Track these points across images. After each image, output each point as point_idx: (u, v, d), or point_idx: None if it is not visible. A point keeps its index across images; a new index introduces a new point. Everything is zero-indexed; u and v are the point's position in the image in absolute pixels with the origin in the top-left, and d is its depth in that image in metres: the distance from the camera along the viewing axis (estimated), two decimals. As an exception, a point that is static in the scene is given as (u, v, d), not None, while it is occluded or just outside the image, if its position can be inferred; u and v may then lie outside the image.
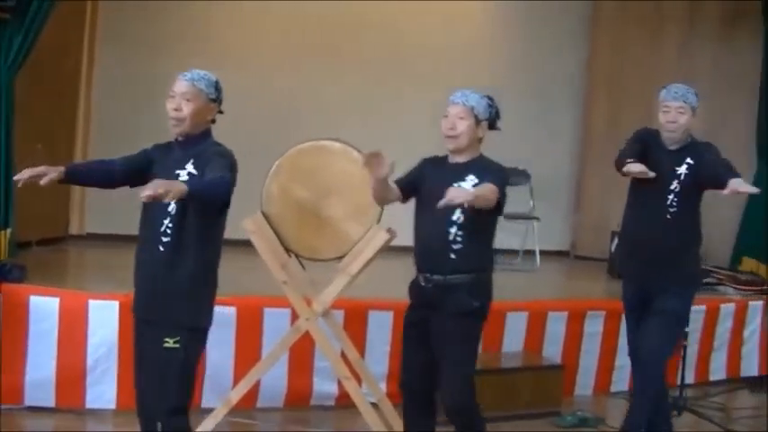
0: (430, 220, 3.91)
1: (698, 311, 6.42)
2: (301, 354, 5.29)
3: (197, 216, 3.47)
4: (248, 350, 5.25)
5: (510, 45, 9.18)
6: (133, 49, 7.85)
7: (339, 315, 5.32)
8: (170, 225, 3.49)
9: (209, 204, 3.42)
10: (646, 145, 4.62)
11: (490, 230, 4.00)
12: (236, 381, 4.93)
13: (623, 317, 5.06)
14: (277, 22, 8.45)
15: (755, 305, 6.87)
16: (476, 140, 3.99)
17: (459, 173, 3.93)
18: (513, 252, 8.36)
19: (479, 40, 9.06)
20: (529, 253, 8.26)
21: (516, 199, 8.51)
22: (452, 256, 3.86)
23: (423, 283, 3.97)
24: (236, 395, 4.66)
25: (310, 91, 8.34)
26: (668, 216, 4.57)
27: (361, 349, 5.35)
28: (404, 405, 4.14)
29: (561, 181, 8.55)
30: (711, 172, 4.44)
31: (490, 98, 4.05)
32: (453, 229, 3.86)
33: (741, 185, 4.20)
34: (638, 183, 4.65)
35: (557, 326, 6.08)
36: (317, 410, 5.50)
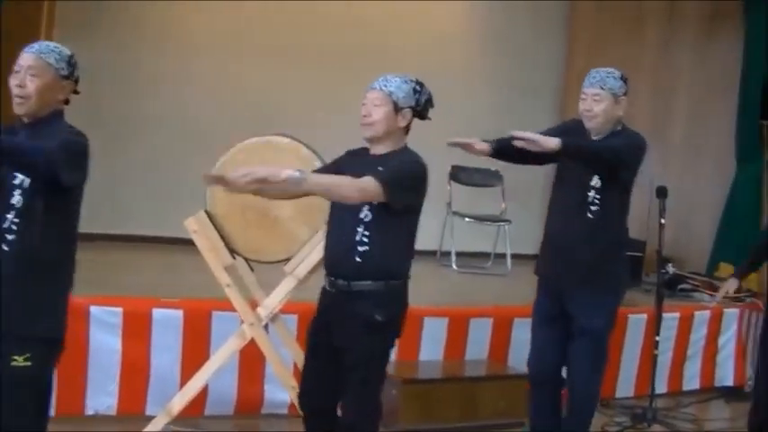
0: (339, 218, 3.56)
1: (672, 318, 6.28)
2: (252, 360, 5.03)
3: (47, 209, 3.04)
4: (195, 355, 4.96)
5: (485, 44, 9.01)
6: (93, 39, 7.60)
7: (292, 320, 5.09)
8: (15, 221, 3.01)
9: (20, 168, 2.96)
10: (570, 135, 4.24)
11: (404, 232, 3.55)
12: (183, 387, 4.67)
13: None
14: (248, 18, 8.22)
15: (731, 312, 6.69)
16: (396, 130, 3.54)
17: (373, 166, 3.50)
18: (485, 255, 8.15)
19: (454, 38, 8.88)
20: (500, 257, 8.03)
21: (488, 201, 8.33)
22: (357, 258, 3.46)
23: (327, 288, 3.61)
24: (177, 404, 4.43)
25: (278, 88, 8.10)
26: (589, 215, 4.23)
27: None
28: (303, 423, 3.74)
29: (534, 182, 8.30)
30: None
31: (419, 83, 3.58)
32: (360, 228, 3.46)
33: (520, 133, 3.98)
34: (559, 178, 4.37)
35: (523, 333, 5.79)
36: (268, 419, 5.26)
